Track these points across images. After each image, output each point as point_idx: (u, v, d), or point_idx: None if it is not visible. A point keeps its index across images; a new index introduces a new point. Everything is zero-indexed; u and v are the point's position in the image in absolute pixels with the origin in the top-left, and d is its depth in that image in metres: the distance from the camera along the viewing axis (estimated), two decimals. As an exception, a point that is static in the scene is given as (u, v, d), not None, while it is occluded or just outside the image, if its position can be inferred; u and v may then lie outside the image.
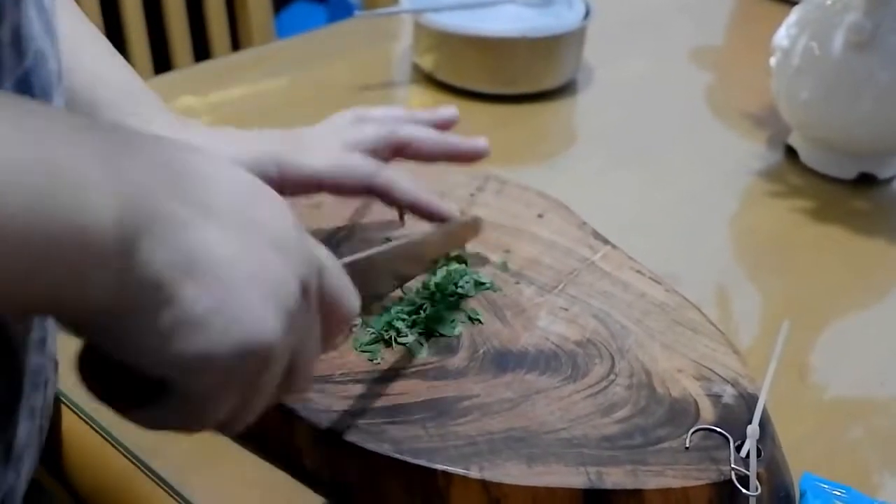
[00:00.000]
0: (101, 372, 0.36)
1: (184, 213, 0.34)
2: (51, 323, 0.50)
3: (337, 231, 0.68)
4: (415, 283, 0.63)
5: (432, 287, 0.62)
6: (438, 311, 0.61)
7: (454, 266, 0.65)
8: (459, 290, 0.63)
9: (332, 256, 0.42)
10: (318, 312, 0.40)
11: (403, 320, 0.60)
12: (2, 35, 0.40)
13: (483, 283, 0.64)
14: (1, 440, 0.46)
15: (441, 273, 0.64)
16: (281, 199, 0.39)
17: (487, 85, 0.98)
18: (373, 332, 0.59)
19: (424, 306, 0.61)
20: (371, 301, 0.53)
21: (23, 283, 0.31)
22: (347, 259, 0.47)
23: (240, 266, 0.35)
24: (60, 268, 0.31)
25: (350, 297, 0.42)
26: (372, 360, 0.57)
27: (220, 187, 0.36)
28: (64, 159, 0.32)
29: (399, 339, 0.59)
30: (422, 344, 0.59)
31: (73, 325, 0.34)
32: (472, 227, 0.67)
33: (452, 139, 0.68)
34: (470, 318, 0.61)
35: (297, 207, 0.69)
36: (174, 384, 0.35)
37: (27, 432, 0.49)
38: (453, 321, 0.60)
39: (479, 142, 0.68)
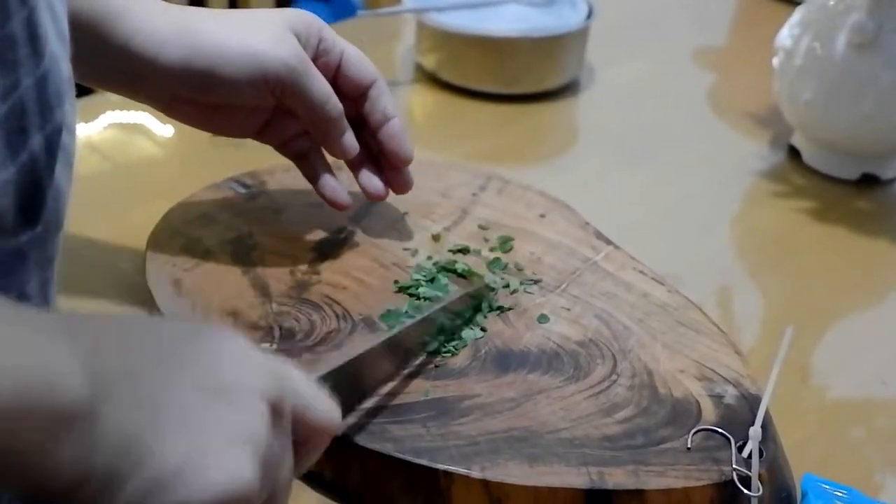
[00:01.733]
0: None
1: (142, 371, 0.35)
2: None
3: (338, 232, 0.68)
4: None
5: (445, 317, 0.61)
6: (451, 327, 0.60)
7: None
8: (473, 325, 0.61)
9: (303, 375, 0.43)
10: (290, 435, 0.40)
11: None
12: (15, 30, 0.40)
13: (501, 307, 0.62)
14: None
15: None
16: (237, 338, 0.40)
17: (490, 84, 0.98)
18: None
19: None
20: (356, 404, 0.53)
21: None
22: (324, 370, 0.47)
23: (207, 414, 0.36)
24: (30, 439, 0.32)
25: (328, 410, 0.43)
26: None
27: (162, 341, 0.37)
28: (32, 340, 0.32)
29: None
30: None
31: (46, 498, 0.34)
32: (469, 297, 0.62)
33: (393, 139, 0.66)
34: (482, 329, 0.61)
35: (297, 207, 0.70)
36: None
37: None
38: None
39: (341, 196, 0.66)
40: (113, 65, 0.61)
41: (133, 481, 0.34)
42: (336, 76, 0.65)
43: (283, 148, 0.67)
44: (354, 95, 0.65)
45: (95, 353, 0.34)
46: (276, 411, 0.39)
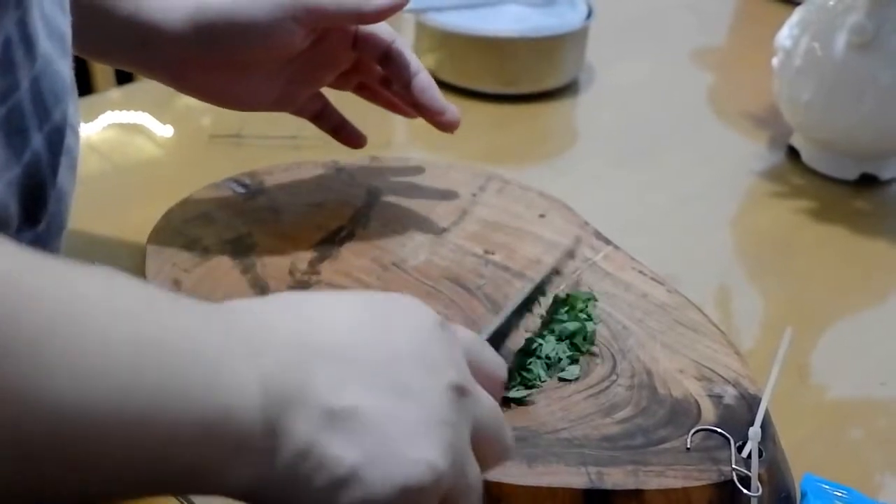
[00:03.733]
0: None
1: (317, 376, 0.34)
2: None
3: (338, 231, 0.68)
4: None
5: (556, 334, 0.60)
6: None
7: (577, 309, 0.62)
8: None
9: (475, 336, 0.42)
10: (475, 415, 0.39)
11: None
12: (10, 32, 0.40)
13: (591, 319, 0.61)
14: None
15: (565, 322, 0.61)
16: (410, 304, 0.39)
17: (489, 85, 0.99)
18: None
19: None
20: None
21: (161, 466, 0.31)
22: (489, 331, 0.50)
23: (382, 408, 0.35)
24: (204, 452, 0.32)
25: (496, 360, 0.43)
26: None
27: (342, 328, 0.36)
28: (201, 342, 0.32)
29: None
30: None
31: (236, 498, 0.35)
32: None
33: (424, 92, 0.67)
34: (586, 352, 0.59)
35: (297, 206, 0.70)
36: None
37: None
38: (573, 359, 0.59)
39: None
40: (120, 36, 0.60)
41: (314, 483, 0.34)
42: (356, 39, 0.65)
43: (300, 111, 0.69)
44: (377, 56, 0.65)
45: (272, 362, 0.34)
46: (460, 392, 0.37)
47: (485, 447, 0.40)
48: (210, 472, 0.32)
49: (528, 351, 0.58)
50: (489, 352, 0.43)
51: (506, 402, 0.55)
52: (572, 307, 0.61)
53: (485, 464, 0.40)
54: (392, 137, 0.94)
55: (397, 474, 0.34)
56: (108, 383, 0.29)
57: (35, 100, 0.43)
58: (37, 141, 0.43)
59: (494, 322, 0.51)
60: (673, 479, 0.50)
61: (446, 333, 0.39)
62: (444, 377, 0.37)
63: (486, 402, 0.40)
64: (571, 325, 0.60)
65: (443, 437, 0.36)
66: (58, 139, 0.45)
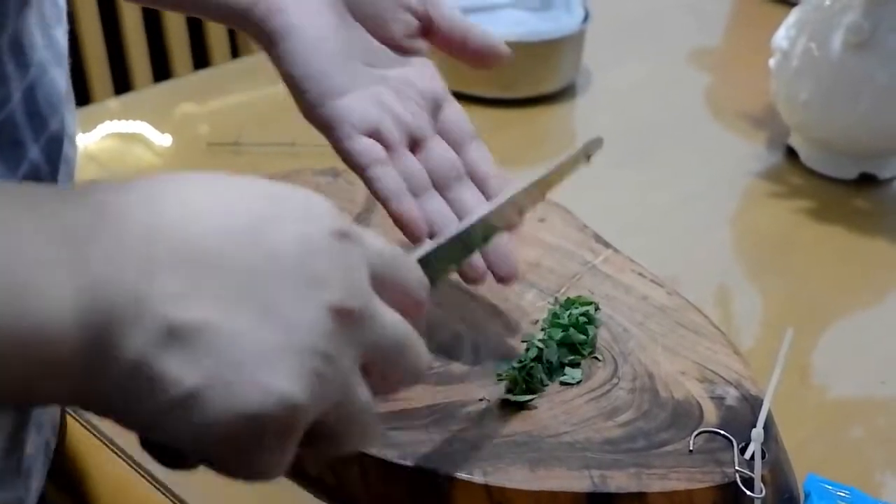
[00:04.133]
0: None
1: (160, 284, 0.30)
2: None
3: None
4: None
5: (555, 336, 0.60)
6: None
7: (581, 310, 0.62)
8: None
9: (393, 250, 0.38)
10: (367, 346, 0.35)
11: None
12: (2, 43, 0.40)
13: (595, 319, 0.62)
14: (12, 456, 0.46)
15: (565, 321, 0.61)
16: (308, 206, 0.34)
17: (487, 89, 0.99)
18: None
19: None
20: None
21: None
22: (422, 251, 0.43)
23: (235, 327, 0.31)
24: (24, 366, 0.29)
25: (415, 272, 0.39)
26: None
27: (206, 230, 0.32)
28: (19, 242, 0.29)
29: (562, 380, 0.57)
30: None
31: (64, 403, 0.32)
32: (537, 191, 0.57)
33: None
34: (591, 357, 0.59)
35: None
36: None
37: (35, 447, 0.49)
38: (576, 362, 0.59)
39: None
40: None
41: (145, 404, 0.30)
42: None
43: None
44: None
45: (102, 266, 0.30)
46: (345, 315, 0.33)
47: (383, 372, 0.36)
48: (28, 387, 0.30)
49: (529, 356, 0.58)
50: (408, 267, 0.38)
51: (508, 407, 0.55)
52: (573, 311, 0.61)
53: (383, 389, 0.37)
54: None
55: (241, 401, 0.31)
56: None
57: (29, 110, 0.43)
58: (34, 152, 0.43)
59: (428, 244, 0.44)
60: (676, 482, 0.50)
61: (344, 245, 0.34)
62: (323, 298, 0.32)
63: (388, 325, 0.35)
64: (573, 330, 0.60)
65: (306, 367, 0.32)
66: (56, 149, 0.45)
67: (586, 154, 0.62)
